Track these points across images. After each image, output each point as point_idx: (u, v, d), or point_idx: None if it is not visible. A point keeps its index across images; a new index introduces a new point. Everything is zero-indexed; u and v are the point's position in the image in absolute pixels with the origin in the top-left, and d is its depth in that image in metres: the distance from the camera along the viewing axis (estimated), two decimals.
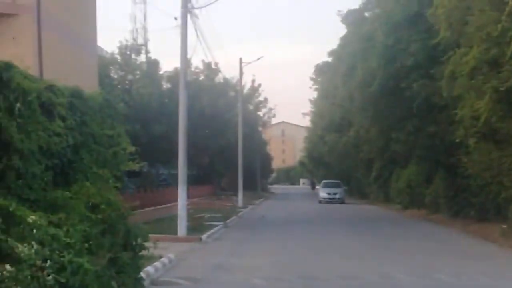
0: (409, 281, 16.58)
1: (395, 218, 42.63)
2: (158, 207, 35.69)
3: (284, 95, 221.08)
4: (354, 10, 46.83)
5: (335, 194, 64.34)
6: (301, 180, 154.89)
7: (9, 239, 7.62)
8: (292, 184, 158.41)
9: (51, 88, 10.72)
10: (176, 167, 29.22)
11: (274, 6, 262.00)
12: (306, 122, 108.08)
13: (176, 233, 26.17)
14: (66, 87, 11.40)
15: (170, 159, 41.48)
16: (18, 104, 9.25)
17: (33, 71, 15.48)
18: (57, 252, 8.23)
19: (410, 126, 38.10)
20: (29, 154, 9.38)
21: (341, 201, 63.12)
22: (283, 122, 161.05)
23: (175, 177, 33.14)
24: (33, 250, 7.75)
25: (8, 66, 9.29)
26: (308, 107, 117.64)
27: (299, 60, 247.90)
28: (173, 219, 28.02)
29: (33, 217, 8.35)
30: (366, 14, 45.06)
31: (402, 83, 34.66)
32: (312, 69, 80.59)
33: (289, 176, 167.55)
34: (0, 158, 8.91)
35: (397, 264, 19.58)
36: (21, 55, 17.16)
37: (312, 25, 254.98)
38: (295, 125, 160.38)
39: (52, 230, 8.57)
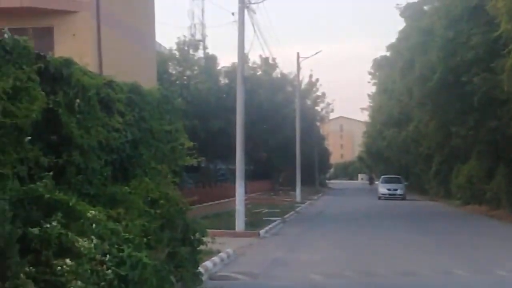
0: (469, 278, 16.34)
1: (456, 214, 42.05)
2: (217, 202, 35.83)
3: (342, 89, 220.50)
4: (413, 4, 46.47)
5: (395, 190, 61.82)
6: (360, 176, 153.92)
7: (69, 233, 7.68)
8: (351, 179, 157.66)
9: (110, 84, 10.80)
10: (234, 162, 29.32)
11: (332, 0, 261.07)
12: (365, 117, 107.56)
13: (234, 228, 26.26)
14: (124, 83, 11.47)
15: (228, 154, 41.55)
16: (77, 100, 9.33)
17: (93, 67, 15.69)
18: (116, 246, 8.29)
19: (471, 120, 37.64)
20: (89, 149, 9.46)
21: (402, 198, 60.61)
22: (341, 117, 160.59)
23: (233, 172, 33.22)
24: (92, 245, 7.81)
25: (68, 63, 9.38)
26: (366, 102, 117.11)
27: (357, 54, 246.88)
28: (231, 214, 28.11)
29: (93, 212, 8.41)
30: (425, 7, 44.66)
31: (462, 77, 34.23)
32: (371, 64, 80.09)
33: (347, 171, 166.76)
34: (60, 154, 8.99)
35: (458, 260, 19.32)
36: (81, 51, 17.41)
37: (370, 19, 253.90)
38: (353, 120, 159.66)
39: (111, 225, 8.64)
